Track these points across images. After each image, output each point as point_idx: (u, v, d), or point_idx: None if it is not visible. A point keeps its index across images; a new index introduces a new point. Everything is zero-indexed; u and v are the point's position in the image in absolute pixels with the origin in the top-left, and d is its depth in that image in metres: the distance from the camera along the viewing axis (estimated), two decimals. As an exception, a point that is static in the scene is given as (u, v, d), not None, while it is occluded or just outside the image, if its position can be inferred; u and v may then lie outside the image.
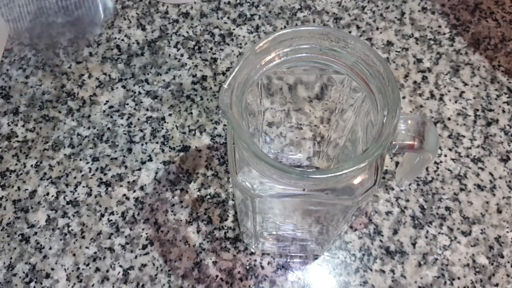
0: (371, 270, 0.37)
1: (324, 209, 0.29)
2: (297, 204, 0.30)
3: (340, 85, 0.29)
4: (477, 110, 0.43)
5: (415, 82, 0.44)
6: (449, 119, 0.42)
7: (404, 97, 0.43)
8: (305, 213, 0.31)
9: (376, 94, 0.24)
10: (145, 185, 0.40)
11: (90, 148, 0.41)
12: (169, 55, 0.45)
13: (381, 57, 0.24)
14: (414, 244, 0.37)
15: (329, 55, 0.25)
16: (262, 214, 0.31)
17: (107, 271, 0.37)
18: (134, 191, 0.39)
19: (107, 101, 0.43)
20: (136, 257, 0.37)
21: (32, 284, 0.36)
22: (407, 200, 0.39)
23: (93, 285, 0.36)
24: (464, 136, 0.41)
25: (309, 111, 0.33)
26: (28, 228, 0.38)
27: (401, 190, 0.39)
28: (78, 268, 0.37)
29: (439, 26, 0.47)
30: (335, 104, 0.31)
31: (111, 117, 0.42)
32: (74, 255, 0.37)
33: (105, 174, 0.40)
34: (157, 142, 0.41)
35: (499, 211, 0.39)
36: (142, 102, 0.43)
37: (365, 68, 0.24)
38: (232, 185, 0.35)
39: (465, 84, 0.44)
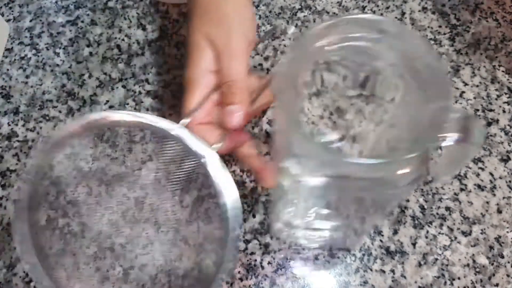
0: (371, 270, 0.37)
1: (368, 197, 0.29)
2: (341, 191, 0.30)
3: (386, 75, 0.29)
4: (478, 110, 0.43)
5: (415, 82, 0.44)
6: (449, 119, 0.42)
7: (404, 97, 0.43)
8: (348, 200, 0.31)
9: (424, 86, 0.23)
10: (146, 184, 0.40)
11: (90, 147, 0.41)
12: (170, 55, 0.45)
13: (433, 49, 0.23)
14: (414, 244, 0.37)
15: (380, 45, 0.24)
16: (302, 202, 0.30)
17: (107, 271, 0.37)
18: (135, 191, 0.39)
19: (108, 101, 0.43)
20: (136, 256, 0.37)
21: (32, 284, 0.36)
22: (407, 200, 0.39)
23: (93, 285, 0.36)
24: (464, 136, 0.41)
25: (351, 99, 0.33)
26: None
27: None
28: (79, 268, 0.37)
29: (439, 26, 0.47)
30: (379, 93, 0.31)
31: (112, 117, 0.42)
32: (74, 254, 0.37)
33: (105, 174, 0.40)
34: (157, 142, 0.41)
35: (499, 211, 0.39)
36: (142, 102, 0.43)
37: (414, 59, 0.24)
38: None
39: (466, 84, 0.44)
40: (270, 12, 0.47)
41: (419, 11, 0.47)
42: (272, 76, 0.23)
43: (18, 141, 0.41)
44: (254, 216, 0.38)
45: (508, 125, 0.42)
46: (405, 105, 0.28)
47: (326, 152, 0.21)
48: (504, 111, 0.42)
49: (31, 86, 0.44)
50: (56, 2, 0.48)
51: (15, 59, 0.45)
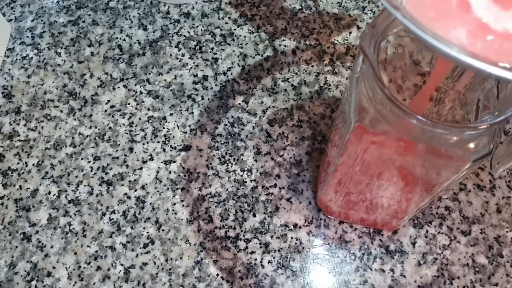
0: (371, 269, 0.37)
1: (430, 169, 0.28)
2: (405, 161, 0.29)
3: None
4: (477, 110, 0.43)
5: (415, 82, 0.44)
6: (449, 119, 0.42)
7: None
8: (408, 172, 0.30)
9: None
10: (146, 184, 0.40)
11: (91, 147, 0.41)
12: (171, 55, 0.46)
13: None
14: (413, 244, 0.38)
15: None
16: (363, 172, 0.30)
17: (108, 269, 0.37)
18: (135, 190, 0.40)
19: (109, 101, 0.43)
20: (137, 255, 0.37)
21: (34, 282, 0.36)
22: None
23: (94, 284, 0.36)
24: (464, 136, 0.42)
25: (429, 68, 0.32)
26: (29, 226, 0.38)
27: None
28: (80, 267, 0.37)
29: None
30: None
31: (113, 116, 0.43)
32: (75, 253, 0.37)
33: (106, 173, 0.40)
34: (158, 142, 0.42)
35: (498, 211, 0.39)
36: (143, 102, 0.43)
37: None
38: (340, 131, 0.34)
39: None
40: (270, 12, 0.48)
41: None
42: None
43: (19, 140, 0.42)
44: (254, 216, 0.38)
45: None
46: (482, 82, 0.27)
47: (405, 113, 0.21)
48: None
49: (33, 86, 0.44)
50: (58, 2, 0.48)
51: (16, 59, 0.46)
